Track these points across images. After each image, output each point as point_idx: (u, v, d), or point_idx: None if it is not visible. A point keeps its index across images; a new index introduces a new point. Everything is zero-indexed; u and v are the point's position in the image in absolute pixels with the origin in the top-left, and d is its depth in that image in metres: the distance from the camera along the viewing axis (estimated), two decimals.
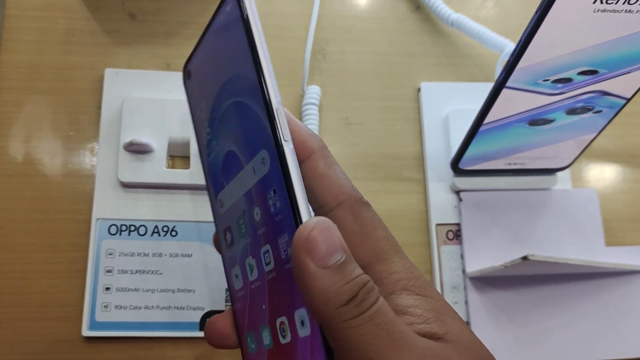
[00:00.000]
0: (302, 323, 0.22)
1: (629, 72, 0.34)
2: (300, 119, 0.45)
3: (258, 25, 0.24)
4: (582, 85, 0.35)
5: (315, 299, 0.20)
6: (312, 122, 0.44)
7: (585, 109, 0.38)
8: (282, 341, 0.23)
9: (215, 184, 0.28)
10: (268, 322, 0.24)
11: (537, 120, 0.38)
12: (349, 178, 0.25)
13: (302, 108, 0.45)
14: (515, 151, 0.42)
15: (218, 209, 0.28)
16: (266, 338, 0.24)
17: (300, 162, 0.24)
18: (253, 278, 0.25)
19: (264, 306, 0.24)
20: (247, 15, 0.24)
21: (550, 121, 0.38)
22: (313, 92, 0.45)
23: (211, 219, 0.42)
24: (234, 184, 0.26)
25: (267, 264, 0.24)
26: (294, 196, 0.22)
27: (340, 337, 0.20)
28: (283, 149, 0.22)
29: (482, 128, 0.38)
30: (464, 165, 0.43)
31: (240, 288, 0.26)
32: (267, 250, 0.23)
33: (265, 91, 0.23)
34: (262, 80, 0.23)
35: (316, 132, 0.42)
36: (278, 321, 0.23)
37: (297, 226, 0.21)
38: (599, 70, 0.34)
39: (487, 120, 0.37)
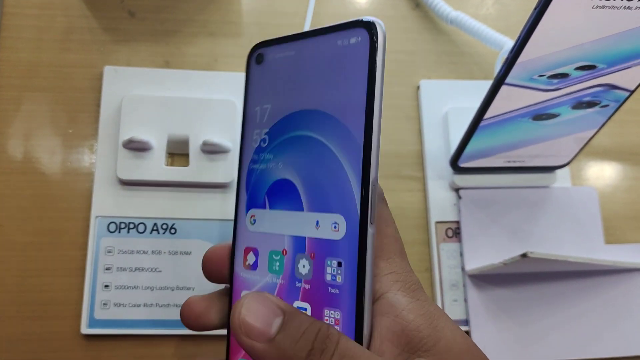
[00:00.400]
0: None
1: (628, 67, 0.34)
2: None
3: (380, 79, 0.23)
4: (579, 81, 0.35)
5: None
6: None
7: (592, 104, 0.37)
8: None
9: (251, 196, 0.26)
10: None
11: (541, 115, 0.38)
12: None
13: None
14: (514, 148, 0.42)
15: (245, 222, 0.27)
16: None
17: None
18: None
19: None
20: (376, 66, 0.23)
21: (554, 116, 0.38)
22: None
23: (209, 217, 0.42)
24: (281, 217, 0.25)
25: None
26: (362, 287, 0.21)
27: None
28: (367, 232, 0.22)
29: (482, 124, 0.38)
30: (463, 162, 0.43)
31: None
32: (305, 309, 0.23)
33: (369, 162, 0.22)
34: (369, 149, 0.22)
35: None
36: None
37: (358, 314, 0.21)
38: (597, 65, 0.34)
39: (487, 115, 0.37)
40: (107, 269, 0.41)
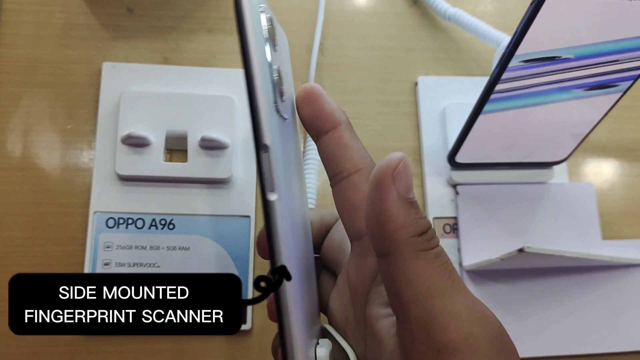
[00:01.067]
0: None
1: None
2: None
3: (258, 31, 0.20)
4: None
5: (391, 224, 0.20)
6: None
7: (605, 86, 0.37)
8: None
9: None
10: None
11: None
12: (368, 152, 0.26)
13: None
14: (512, 143, 0.42)
15: None
16: None
17: (326, 131, 0.25)
18: None
19: None
20: (243, 18, 0.21)
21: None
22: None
23: (208, 212, 0.42)
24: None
25: None
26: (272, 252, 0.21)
27: (406, 267, 0.20)
28: (267, 199, 0.20)
29: (480, 117, 0.38)
30: (461, 158, 0.43)
31: None
32: None
33: (255, 125, 0.20)
34: (255, 111, 0.20)
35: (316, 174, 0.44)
36: None
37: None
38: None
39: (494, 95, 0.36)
40: (105, 264, 0.41)
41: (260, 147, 0.20)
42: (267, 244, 0.21)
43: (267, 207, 0.20)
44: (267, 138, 0.20)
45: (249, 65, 0.20)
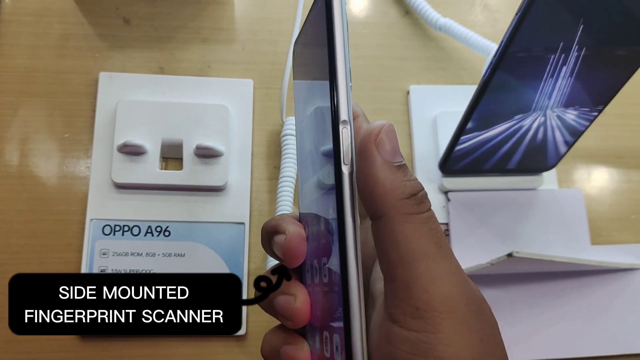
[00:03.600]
0: (337, 349, 0.22)
1: None
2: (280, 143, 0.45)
3: (344, 30, 0.22)
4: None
5: (379, 187, 0.21)
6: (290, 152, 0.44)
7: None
8: (325, 354, 0.23)
9: (302, 172, 0.27)
10: (319, 328, 0.24)
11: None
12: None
13: (281, 139, 0.45)
14: (502, 150, 0.43)
15: (303, 197, 0.27)
16: (317, 342, 0.24)
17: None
18: (316, 281, 0.24)
19: (318, 312, 0.24)
20: (332, 17, 0.22)
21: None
22: (292, 124, 0.45)
23: (203, 219, 0.43)
24: (310, 185, 0.25)
25: (324, 276, 0.23)
26: (343, 242, 0.21)
27: (394, 229, 0.21)
28: (341, 172, 0.21)
29: (469, 125, 0.39)
30: (451, 165, 0.44)
31: (309, 283, 0.25)
32: (324, 263, 0.23)
33: (334, 104, 0.21)
34: (334, 91, 0.21)
35: (294, 164, 0.43)
36: (324, 333, 0.23)
37: (342, 251, 0.21)
38: None
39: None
40: (102, 271, 0.41)
41: (339, 122, 0.21)
42: (336, 211, 0.21)
43: (340, 179, 0.21)
44: (345, 114, 0.21)
45: (334, 48, 0.22)
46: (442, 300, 0.20)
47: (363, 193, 0.21)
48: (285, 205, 0.42)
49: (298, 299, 0.24)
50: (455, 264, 0.22)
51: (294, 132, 0.44)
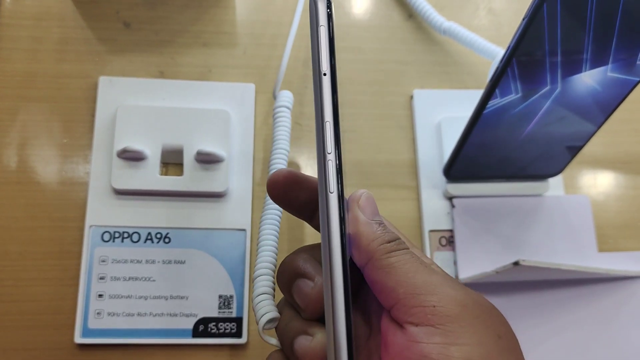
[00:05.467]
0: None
1: None
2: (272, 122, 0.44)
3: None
4: None
5: (364, 239, 0.25)
6: (284, 124, 0.43)
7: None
8: None
9: None
10: None
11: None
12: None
13: (274, 111, 0.43)
14: (507, 156, 0.42)
15: None
16: None
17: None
18: None
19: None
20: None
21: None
22: (285, 97, 0.43)
23: (203, 226, 0.42)
24: None
25: None
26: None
27: (384, 265, 0.24)
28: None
29: (475, 129, 0.38)
30: (456, 171, 0.43)
31: None
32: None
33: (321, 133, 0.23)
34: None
35: (288, 135, 0.42)
36: None
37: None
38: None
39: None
40: (101, 278, 0.41)
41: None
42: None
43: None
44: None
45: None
46: (451, 299, 0.23)
47: (353, 246, 0.25)
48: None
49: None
50: (448, 276, 0.24)
51: (288, 105, 0.43)
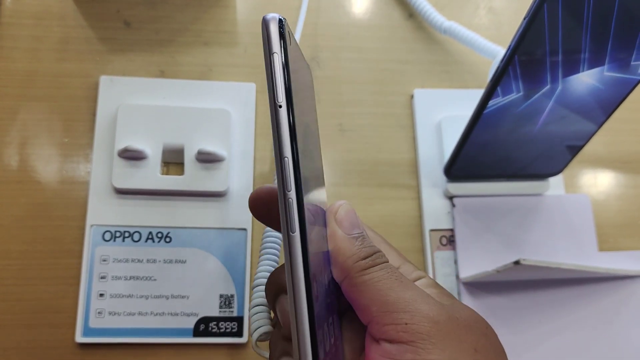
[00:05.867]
0: None
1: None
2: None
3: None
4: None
5: (341, 255, 0.25)
6: None
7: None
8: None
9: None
10: None
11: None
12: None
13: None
14: (508, 155, 0.42)
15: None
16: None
17: None
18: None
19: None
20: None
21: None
22: None
23: (204, 225, 0.42)
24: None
25: None
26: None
27: (358, 282, 0.24)
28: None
29: (476, 129, 0.38)
30: (456, 170, 0.43)
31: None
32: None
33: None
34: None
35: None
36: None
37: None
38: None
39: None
40: (102, 277, 0.41)
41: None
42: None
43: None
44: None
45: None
46: (423, 316, 0.23)
47: (332, 261, 0.25)
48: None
49: None
50: (422, 292, 0.24)
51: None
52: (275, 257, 0.35)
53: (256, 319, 0.30)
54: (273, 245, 0.35)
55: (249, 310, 0.31)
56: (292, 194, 0.21)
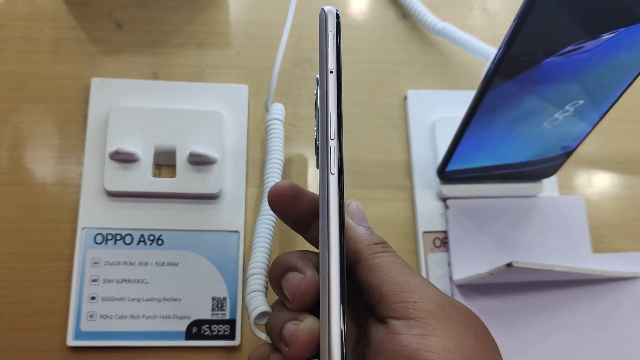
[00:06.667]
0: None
1: None
2: (266, 134, 0.44)
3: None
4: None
5: (352, 240, 0.27)
6: (277, 136, 0.43)
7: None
8: None
9: None
10: None
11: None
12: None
13: (267, 123, 0.43)
14: (501, 156, 0.42)
15: None
16: None
17: None
18: None
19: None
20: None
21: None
22: (277, 109, 0.43)
23: (196, 228, 0.42)
24: None
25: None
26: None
27: (370, 264, 0.26)
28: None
29: (470, 127, 0.38)
30: (450, 172, 0.43)
31: None
32: None
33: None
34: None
35: (281, 146, 0.42)
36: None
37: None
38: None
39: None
40: (93, 280, 0.40)
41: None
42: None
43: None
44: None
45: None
46: (431, 298, 0.24)
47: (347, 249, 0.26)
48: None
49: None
50: (428, 280, 0.26)
51: (281, 117, 0.43)
52: (267, 249, 0.35)
53: (253, 302, 0.31)
54: (264, 239, 0.36)
55: (245, 297, 0.31)
56: (334, 142, 0.25)
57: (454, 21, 0.48)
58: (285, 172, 0.44)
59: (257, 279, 0.32)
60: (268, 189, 0.38)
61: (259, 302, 0.30)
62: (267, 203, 0.35)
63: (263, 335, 0.29)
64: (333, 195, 0.24)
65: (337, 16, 0.27)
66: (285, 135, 0.43)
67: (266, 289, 0.32)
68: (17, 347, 0.39)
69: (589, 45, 0.31)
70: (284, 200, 0.28)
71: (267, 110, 0.44)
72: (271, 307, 0.30)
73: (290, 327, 0.25)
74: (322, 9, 0.27)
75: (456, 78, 0.50)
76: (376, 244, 0.27)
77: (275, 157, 0.41)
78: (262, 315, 0.30)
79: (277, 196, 0.28)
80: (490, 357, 0.24)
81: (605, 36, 0.31)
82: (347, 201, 0.29)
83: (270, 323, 0.28)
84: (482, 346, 0.24)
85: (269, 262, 0.34)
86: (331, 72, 0.26)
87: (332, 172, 0.25)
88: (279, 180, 0.41)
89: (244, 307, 0.41)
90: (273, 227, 0.37)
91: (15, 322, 0.40)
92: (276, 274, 0.27)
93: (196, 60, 0.47)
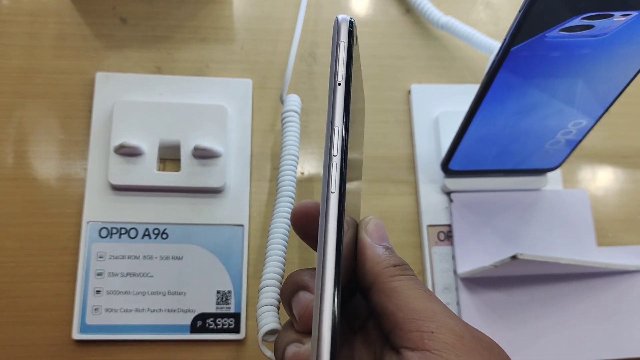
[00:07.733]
0: None
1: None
2: (281, 128, 0.43)
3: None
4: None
5: (369, 262, 0.25)
6: (293, 129, 0.42)
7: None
8: None
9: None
10: None
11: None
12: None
13: (282, 115, 0.42)
14: (505, 150, 0.42)
15: None
16: None
17: None
18: None
19: None
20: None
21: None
22: (293, 100, 0.43)
23: (201, 222, 0.42)
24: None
25: None
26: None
27: (386, 287, 0.24)
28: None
29: (474, 121, 0.38)
30: (454, 166, 0.43)
31: None
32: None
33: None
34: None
35: (297, 138, 0.41)
36: None
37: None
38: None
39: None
40: (98, 274, 0.41)
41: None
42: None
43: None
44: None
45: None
46: (449, 329, 0.22)
47: (360, 270, 0.26)
48: (288, 190, 0.39)
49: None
50: (448, 308, 0.24)
51: (297, 109, 0.42)
52: (282, 259, 0.34)
53: (263, 317, 0.30)
54: (279, 247, 0.35)
55: (257, 310, 0.31)
56: (337, 159, 0.23)
57: (457, 15, 0.48)
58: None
59: (269, 292, 0.32)
60: (282, 188, 0.38)
61: (268, 319, 0.30)
62: (282, 202, 0.35)
63: (269, 353, 0.29)
64: (332, 217, 0.22)
65: (351, 24, 0.26)
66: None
67: (278, 301, 0.31)
68: (23, 341, 0.40)
69: (594, 33, 0.31)
70: (310, 220, 0.27)
71: (282, 101, 0.43)
72: (283, 325, 0.29)
73: (292, 350, 0.25)
74: (336, 17, 0.26)
75: (460, 72, 0.49)
76: (395, 265, 0.25)
77: (290, 153, 0.40)
78: (271, 332, 0.30)
79: (301, 216, 0.27)
80: None
81: (607, 30, 0.31)
82: (366, 218, 0.27)
83: (277, 341, 0.27)
84: None
85: (283, 272, 0.33)
86: (339, 84, 0.25)
87: (332, 191, 0.23)
88: (292, 179, 0.39)
89: (249, 304, 0.41)
90: (288, 230, 0.37)
91: (21, 316, 0.40)
92: (288, 292, 0.27)
93: (200, 54, 0.47)
